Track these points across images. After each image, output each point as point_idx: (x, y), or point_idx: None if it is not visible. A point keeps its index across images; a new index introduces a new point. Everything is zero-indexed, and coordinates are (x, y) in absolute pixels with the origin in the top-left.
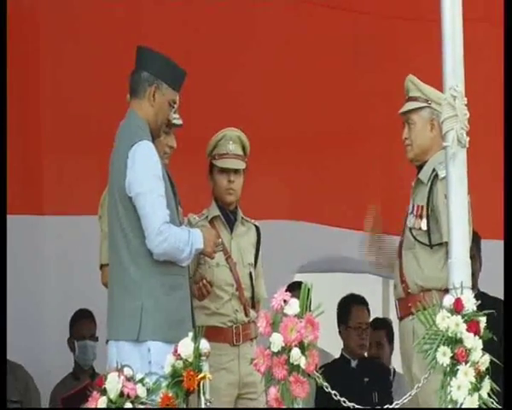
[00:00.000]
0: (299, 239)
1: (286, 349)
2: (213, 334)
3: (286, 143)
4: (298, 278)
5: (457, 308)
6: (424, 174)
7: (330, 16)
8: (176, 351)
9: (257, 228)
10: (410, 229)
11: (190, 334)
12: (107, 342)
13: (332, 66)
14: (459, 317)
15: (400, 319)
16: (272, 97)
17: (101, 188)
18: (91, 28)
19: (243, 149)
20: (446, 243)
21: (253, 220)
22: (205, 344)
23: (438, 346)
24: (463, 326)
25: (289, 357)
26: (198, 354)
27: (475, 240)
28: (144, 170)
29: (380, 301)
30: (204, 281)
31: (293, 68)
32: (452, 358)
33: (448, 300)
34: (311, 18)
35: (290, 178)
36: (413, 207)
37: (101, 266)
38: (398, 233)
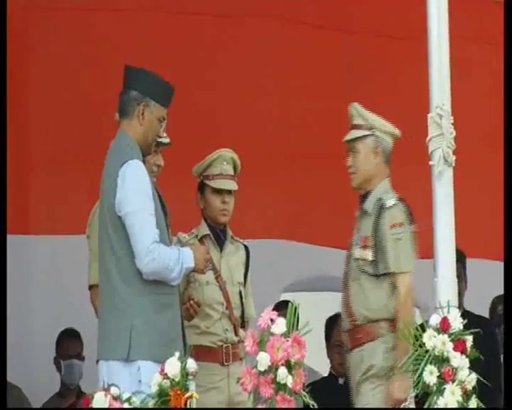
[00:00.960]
0: (287, 258)
1: (273, 368)
2: (203, 353)
3: (275, 162)
4: (285, 297)
5: (444, 327)
6: (369, 204)
7: (320, 36)
8: (163, 370)
9: (246, 247)
10: (356, 260)
11: (177, 353)
12: (97, 362)
13: (322, 85)
14: (446, 336)
15: (349, 350)
16: (262, 116)
17: (90, 206)
18: (80, 43)
19: (234, 169)
20: (393, 274)
21: (241, 240)
22: (192, 363)
23: (425, 365)
24: (450, 345)
25: (276, 376)
26: (185, 374)
27: (460, 259)
28: (134, 189)
29: None
30: (191, 301)
31: (283, 87)
32: (439, 377)
33: (435, 319)
34: (300, 38)
35: (279, 197)
36: (358, 238)
37: (90, 287)
38: None
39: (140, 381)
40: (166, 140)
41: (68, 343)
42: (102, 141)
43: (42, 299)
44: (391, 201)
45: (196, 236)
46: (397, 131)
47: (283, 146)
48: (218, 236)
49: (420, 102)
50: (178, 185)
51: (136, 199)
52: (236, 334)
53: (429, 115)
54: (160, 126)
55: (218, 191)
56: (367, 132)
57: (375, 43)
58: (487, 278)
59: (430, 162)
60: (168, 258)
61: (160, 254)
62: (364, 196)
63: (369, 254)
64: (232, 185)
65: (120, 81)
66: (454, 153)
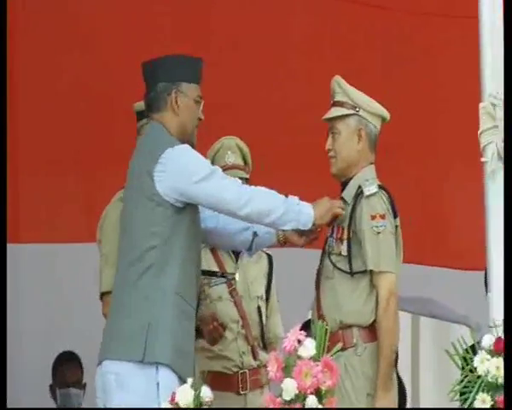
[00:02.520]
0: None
1: (300, 397)
2: (216, 381)
3: (300, 157)
4: None
5: (498, 349)
6: (348, 192)
7: (349, 11)
8: (173, 399)
9: (269, 256)
10: (329, 254)
11: (190, 379)
12: (99, 363)
13: (350, 69)
14: (500, 359)
15: None
16: (283, 107)
17: (84, 212)
18: (72, 51)
19: (243, 158)
20: (371, 272)
21: (264, 248)
22: (207, 392)
23: (476, 393)
24: None
25: (304, 406)
26: (199, 403)
27: None
28: (191, 162)
29: (409, 339)
30: (215, 323)
31: (305, 72)
32: (493, 406)
33: (488, 339)
34: (336, 15)
35: (308, 197)
36: (333, 228)
37: (102, 296)
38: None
39: (158, 384)
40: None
41: (65, 369)
42: (102, 140)
43: (31, 315)
44: (370, 188)
45: (208, 244)
46: (385, 113)
47: (310, 138)
48: None
49: (468, 88)
50: None
51: (199, 168)
52: (255, 357)
53: (481, 105)
54: (198, 108)
55: None
56: (350, 111)
57: (413, 21)
58: None
59: (482, 159)
60: (266, 195)
61: (255, 192)
62: (345, 184)
63: (343, 249)
64: (239, 174)
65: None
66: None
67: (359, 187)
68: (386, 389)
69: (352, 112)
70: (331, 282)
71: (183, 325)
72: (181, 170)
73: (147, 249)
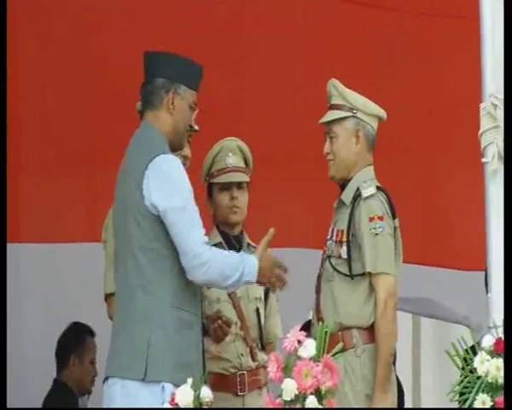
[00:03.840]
0: (317, 270)
1: (300, 397)
2: (214, 382)
3: (305, 157)
4: None
5: (498, 350)
6: (346, 194)
7: (352, 13)
8: (173, 399)
9: None
10: (329, 257)
11: (189, 380)
12: (106, 379)
13: (354, 71)
14: (500, 360)
15: None
16: (287, 109)
17: (85, 212)
18: (72, 49)
19: (245, 160)
20: (369, 274)
21: None
22: (206, 392)
23: (476, 394)
24: None
25: (304, 406)
26: (198, 404)
27: None
28: (175, 183)
29: (409, 340)
30: (220, 321)
31: (317, 72)
32: (493, 407)
33: (488, 340)
34: (329, 15)
35: (308, 200)
36: (332, 231)
37: (107, 297)
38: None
39: (163, 401)
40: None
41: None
42: (99, 142)
43: (32, 316)
44: (369, 190)
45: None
46: (382, 113)
47: (316, 145)
48: (232, 244)
49: (470, 89)
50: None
51: (180, 194)
52: (254, 359)
53: (482, 105)
54: (192, 114)
55: (226, 187)
56: (347, 114)
57: (417, 22)
58: None
59: (483, 159)
60: (222, 262)
61: (213, 258)
62: (343, 186)
63: (343, 251)
64: (239, 177)
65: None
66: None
67: (357, 189)
68: (384, 390)
69: (349, 114)
70: (331, 284)
71: (184, 335)
72: (161, 188)
73: (139, 265)
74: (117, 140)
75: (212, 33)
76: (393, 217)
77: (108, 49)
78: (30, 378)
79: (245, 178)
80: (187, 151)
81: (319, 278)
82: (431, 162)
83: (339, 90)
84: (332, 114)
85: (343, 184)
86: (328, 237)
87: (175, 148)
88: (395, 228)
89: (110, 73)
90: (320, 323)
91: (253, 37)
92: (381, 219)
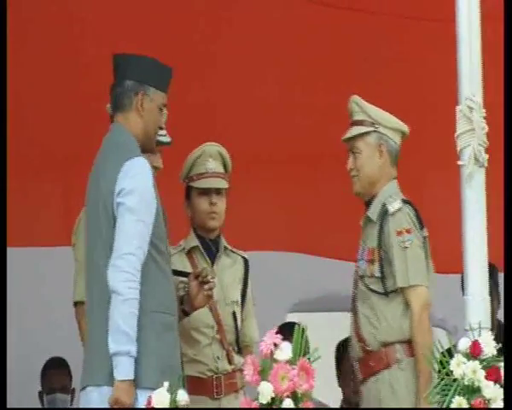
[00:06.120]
0: (294, 273)
1: (276, 400)
2: (190, 385)
3: (279, 160)
4: (291, 318)
5: (475, 353)
6: (373, 211)
7: (330, 16)
8: (149, 403)
9: (245, 260)
10: (362, 277)
11: (166, 383)
12: (83, 388)
13: (331, 74)
14: (477, 362)
15: (362, 381)
16: (263, 112)
17: (61, 216)
18: (47, 51)
19: (224, 166)
20: (401, 289)
21: (240, 251)
22: (183, 395)
23: (452, 396)
24: (482, 373)
25: (280, 409)
26: (174, 407)
27: (493, 274)
28: (141, 191)
29: None
30: (200, 277)
31: (286, 78)
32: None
33: (464, 343)
34: (306, 18)
35: (284, 203)
36: (363, 250)
37: (76, 303)
38: None
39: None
40: (167, 139)
41: (52, 375)
42: (79, 143)
43: (17, 320)
44: (395, 205)
45: (183, 249)
46: (405, 128)
47: (291, 140)
48: (209, 247)
49: (447, 92)
50: (170, 191)
51: (140, 205)
52: (230, 362)
53: (458, 108)
54: (161, 116)
55: (205, 192)
56: (369, 129)
57: (394, 24)
58: None
59: (459, 162)
60: (131, 301)
61: (127, 280)
62: (369, 203)
63: (376, 270)
64: (219, 183)
65: (107, 68)
66: (486, 151)
67: (384, 205)
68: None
69: (371, 129)
70: (367, 303)
71: (165, 339)
72: (125, 186)
73: None
74: (94, 144)
75: (184, 36)
76: (421, 227)
77: (85, 52)
78: (16, 385)
79: (224, 184)
80: (158, 162)
81: (354, 299)
82: (407, 165)
83: (360, 106)
84: (354, 130)
85: (368, 200)
86: (359, 256)
87: (146, 149)
88: (424, 238)
89: (86, 77)
90: (359, 344)
91: (225, 39)
92: (408, 231)
